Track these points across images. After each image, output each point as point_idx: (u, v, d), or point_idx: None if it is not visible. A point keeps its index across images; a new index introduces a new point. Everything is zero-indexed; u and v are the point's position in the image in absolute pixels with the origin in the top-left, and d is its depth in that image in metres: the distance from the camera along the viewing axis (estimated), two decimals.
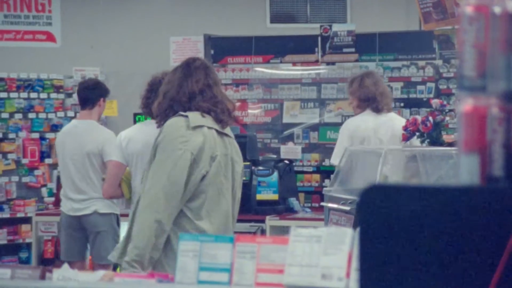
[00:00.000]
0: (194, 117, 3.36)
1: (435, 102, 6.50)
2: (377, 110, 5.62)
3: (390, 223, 1.56)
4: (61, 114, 8.54)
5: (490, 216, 1.51)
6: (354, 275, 2.18)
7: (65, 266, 2.42)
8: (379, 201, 1.56)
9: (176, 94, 3.43)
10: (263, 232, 6.08)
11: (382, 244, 1.56)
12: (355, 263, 2.16)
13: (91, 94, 5.77)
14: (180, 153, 3.28)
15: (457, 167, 1.61)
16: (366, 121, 5.63)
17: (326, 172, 7.37)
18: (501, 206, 1.51)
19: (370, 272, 1.57)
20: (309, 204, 7.33)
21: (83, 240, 5.77)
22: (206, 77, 3.45)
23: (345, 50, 7.99)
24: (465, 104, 1.58)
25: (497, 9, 1.56)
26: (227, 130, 3.47)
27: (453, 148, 5.12)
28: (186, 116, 3.35)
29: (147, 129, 4.61)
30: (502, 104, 1.58)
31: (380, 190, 1.57)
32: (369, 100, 5.57)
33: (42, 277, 2.41)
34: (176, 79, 3.47)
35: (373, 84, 5.58)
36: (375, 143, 5.61)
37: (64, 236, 5.84)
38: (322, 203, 5.82)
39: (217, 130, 3.38)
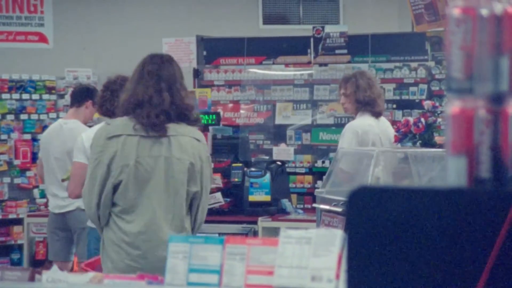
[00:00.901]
0: (114, 126, 3.56)
1: (427, 104, 6.51)
2: (377, 114, 5.52)
3: (378, 224, 1.56)
4: (53, 115, 8.52)
5: (477, 218, 1.52)
6: (344, 277, 2.18)
7: (55, 267, 2.41)
8: (367, 202, 1.57)
9: (126, 99, 3.57)
10: (255, 233, 6.08)
11: (370, 245, 1.56)
12: (345, 265, 2.16)
13: (81, 94, 5.88)
14: (95, 163, 3.54)
15: (445, 169, 1.61)
16: (372, 126, 5.51)
17: (319, 174, 7.37)
18: (488, 207, 1.51)
19: (358, 273, 1.57)
20: (302, 206, 7.33)
21: (68, 241, 5.81)
22: (157, 83, 3.54)
23: (337, 51, 8.00)
24: (453, 106, 1.59)
25: (484, 12, 1.56)
26: (175, 129, 3.53)
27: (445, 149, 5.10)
28: (110, 124, 3.59)
29: None
30: (489, 106, 1.58)
31: (368, 192, 1.58)
32: (368, 104, 5.47)
33: (31, 279, 2.40)
34: (131, 82, 3.61)
35: (368, 86, 5.47)
36: None
37: (49, 235, 5.90)
38: (314, 205, 5.83)
39: (145, 135, 3.51)
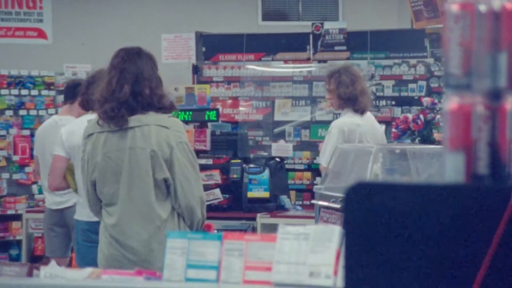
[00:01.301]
0: (89, 125, 3.75)
1: (426, 100, 6.51)
2: (359, 111, 5.42)
3: (376, 220, 1.56)
4: (52, 111, 8.51)
5: (475, 214, 1.52)
6: (342, 273, 2.17)
7: (53, 263, 2.41)
8: (364, 198, 1.56)
9: (96, 96, 3.73)
10: (254, 229, 6.08)
11: (367, 241, 1.56)
12: (342, 261, 2.16)
13: (73, 90, 5.84)
14: (82, 163, 3.77)
15: (442, 165, 1.61)
16: (359, 124, 5.47)
17: (317, 170, 7.37)
18: (486, 204, 1.51)
19: (355, 268, 1.57)
20: (300, 202, 7.34)
21: (65, 237, 5.81)
22: (120, 76, 3.64)
23: (336, 48, 7.99)
24: (451, 102, 1.58)
25: (482, 7, 1.56)
26: (139, 120, 3.62)
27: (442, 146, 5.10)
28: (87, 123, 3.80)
29: (84, 123, 4.81)
30: (487, 102, 1.58)
31: (366, 188, 1.58)
32: (350, 100, 5.38)
33: (29, 274, 2.40)
34: (104, 77, 3.73)
35: (351, 82, 5.36)
36: None
37: (46, 232, 5.91)
38: (313, 201, 5.82)
39: (111, 130, 3.65)
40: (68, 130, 4.90)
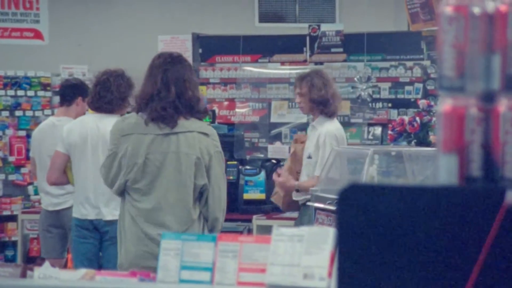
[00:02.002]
0: (127, 124, 3.75)
1: (423, 103, 6.51)
2: (330, 114, 5.34)
3: (369, 222, 1.56)
4: (48, 112, 8.50)
5: (468, 216, 1.52)
6: (336, 275, 2.17)
7: (47, 264, 2.41)
8: (358, 200, 1.56)
9: (138, 96, 3.77)
10: (249, 231, 6.08)
11: (360, 242, 1.56)
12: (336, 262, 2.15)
13: (70, 92, 5.86)
14: (110, 153, 3.78)
15: (436, 167, 1.61)
16: (339, 129, 5.42)
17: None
18: (479, 205, 1.51)
19: (348, 269, 1.57)
20: None
21: (61, 238, 5.82)
22: (164, 77, 3.71)
23: (333, 50, 8.00)
24: (444, 104, 1.58)
25: (476, 10, 1.56)
26: (183, 125, 3.69)
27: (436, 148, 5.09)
28: (124, 121, 3.81)
29: (86, 121, 4.99)
30: (481, 105, 1.58)
31: (359, 189, 1.57)
32: (321, 104, 5.29)
33: (23, 275, 2.40)
34: (143, 79, 3.79)
35: (323, 85, 5.29)
36: None
37: (42, 233, 5.91)
38: (308, 203, 5.83)
39: (155, 134, 3.69)
40: (68, 128, 5.03)
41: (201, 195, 3.75)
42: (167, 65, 3.72)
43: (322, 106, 5.32)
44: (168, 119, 3.67)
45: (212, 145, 3.73)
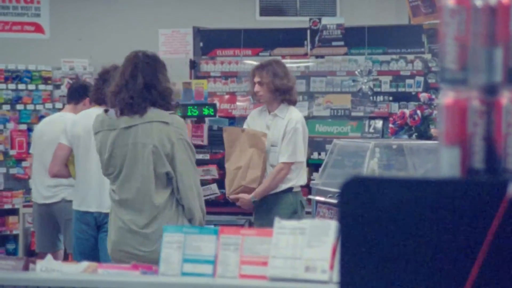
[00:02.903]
0: (97, 122, 3.91)
1: (424, 96, 6.51)
2: (292, 103, 5.37)
3: (371, 214, 1.56)
4: (49, 105, 8.51)
5: (470, 208, 1.52)
6: (338, 267, 2.18)
7: (49, 257, 2.41)
8: (359, 192, 1.57)
9: (109, 90, 3.88)
10: (251, 224, 6.08)
11: (362, 234, 1.57)
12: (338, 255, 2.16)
13: (80, 91, 5.95)
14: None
15: (438, 160, 1.61)
16: (302, 116, 5.43)
17: (315, 165, 7.37)
18: (481, 198, 1.51)
19: (350, 262, 1.57)
20: None
21: (54, 231, 5.84)
22: (133, 69, 3.80)
23: (334, 43, 7.99)
24: (446, 96, 1.59)
25: (478, 2, 1.56)
26: (147, 116, 3.77)
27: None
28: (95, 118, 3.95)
29: (91, 114, 4.98)
30: (483, 97, 1.58)
31: (361, 182, 1.58)
32: (285, 92, 5.29)
33: (26, 268, 2.41)
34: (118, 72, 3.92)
35: (285, 74, 5.31)
36: None
37: (36, 227, 5.93)
38: (309, 196, 5.83)
39: (116, 128, 3.81)
40: (72, 120, 5.12)
41: (169, 182, 3.82)
42: (137, 58, 3.80)
43: (287, 94, 5.33)
44: (136, 107, 3.75)
45: (174, 133, 3.78)
